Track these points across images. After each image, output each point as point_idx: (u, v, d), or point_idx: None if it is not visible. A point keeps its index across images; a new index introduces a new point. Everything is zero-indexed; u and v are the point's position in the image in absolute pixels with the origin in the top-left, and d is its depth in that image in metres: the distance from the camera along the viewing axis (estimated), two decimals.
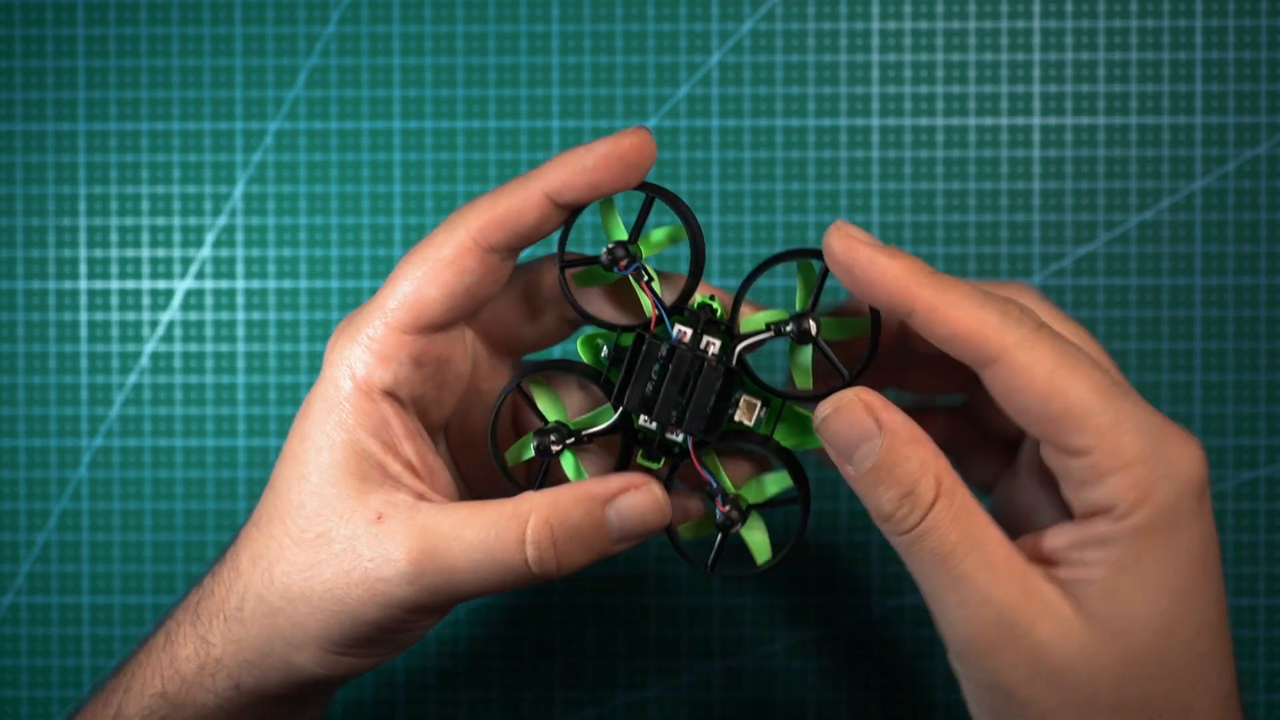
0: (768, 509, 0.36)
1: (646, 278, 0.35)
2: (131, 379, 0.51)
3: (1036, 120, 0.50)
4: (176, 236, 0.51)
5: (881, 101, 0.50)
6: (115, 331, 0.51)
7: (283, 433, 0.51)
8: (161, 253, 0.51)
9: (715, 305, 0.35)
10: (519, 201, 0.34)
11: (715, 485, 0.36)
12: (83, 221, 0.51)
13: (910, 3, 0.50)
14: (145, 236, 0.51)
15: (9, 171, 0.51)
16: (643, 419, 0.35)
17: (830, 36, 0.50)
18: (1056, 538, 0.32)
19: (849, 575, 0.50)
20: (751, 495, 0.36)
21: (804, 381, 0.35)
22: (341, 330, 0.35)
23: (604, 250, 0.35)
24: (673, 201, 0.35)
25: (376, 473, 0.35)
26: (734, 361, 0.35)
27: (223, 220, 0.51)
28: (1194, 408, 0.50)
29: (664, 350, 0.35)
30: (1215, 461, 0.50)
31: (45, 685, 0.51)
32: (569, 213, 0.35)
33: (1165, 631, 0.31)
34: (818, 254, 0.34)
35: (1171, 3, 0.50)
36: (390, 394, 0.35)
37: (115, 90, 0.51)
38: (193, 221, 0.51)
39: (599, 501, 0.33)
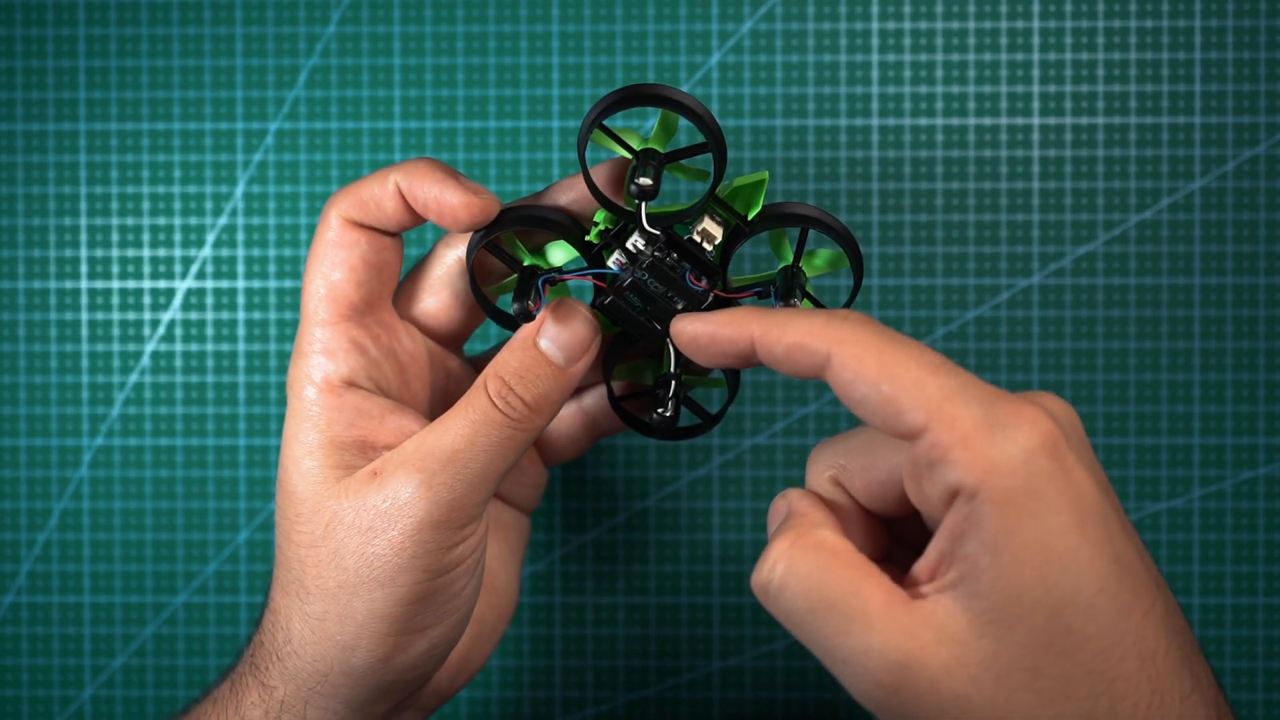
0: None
1: (557, 274, 0.37)
2: (132, 378, 0.51)
3: (1036, 120, 0.50)
4: (177, 236, 0.51)
5: (881, 101, 0.50)
6: (116, 331, 0.51)
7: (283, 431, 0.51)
8: (162, 252, 0.51)
9: (600, 220, 0.37)
10: (378, 189, 0.36)
11: (767, 286, 0.37)
12: (84, 221, 0.51)
13: (910, 3, 0.50)
14: (146, 236, 0.51)
15: (10, 171, 0.51)
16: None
17: (830, 36, 0.50)
18: (936, 544, 0.31)
19: None
20: (809, 268, 0.38)
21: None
22: (291, 360, 0.37)
23: (514, 312, 0.35)
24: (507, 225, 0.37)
25: (361, 458, 0.36)
26: (658, 230, 0.36)
27: (223, 220, 0.51)
28: (1193, 406, 0.50)
29: (630, 295, 0.36)
30: (1214, 461, 0.50)
31: (46, 684, 0.51)
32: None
33: (1059, 604, 0.29)
34: (641, 96, 0.36)
35: (1170, 3, 0.50)
36: (352, 383, 0.36)
37: (116, 90, 0.51)
38: (194, 221, 0.51)
39: (530, 340, 0.36)
